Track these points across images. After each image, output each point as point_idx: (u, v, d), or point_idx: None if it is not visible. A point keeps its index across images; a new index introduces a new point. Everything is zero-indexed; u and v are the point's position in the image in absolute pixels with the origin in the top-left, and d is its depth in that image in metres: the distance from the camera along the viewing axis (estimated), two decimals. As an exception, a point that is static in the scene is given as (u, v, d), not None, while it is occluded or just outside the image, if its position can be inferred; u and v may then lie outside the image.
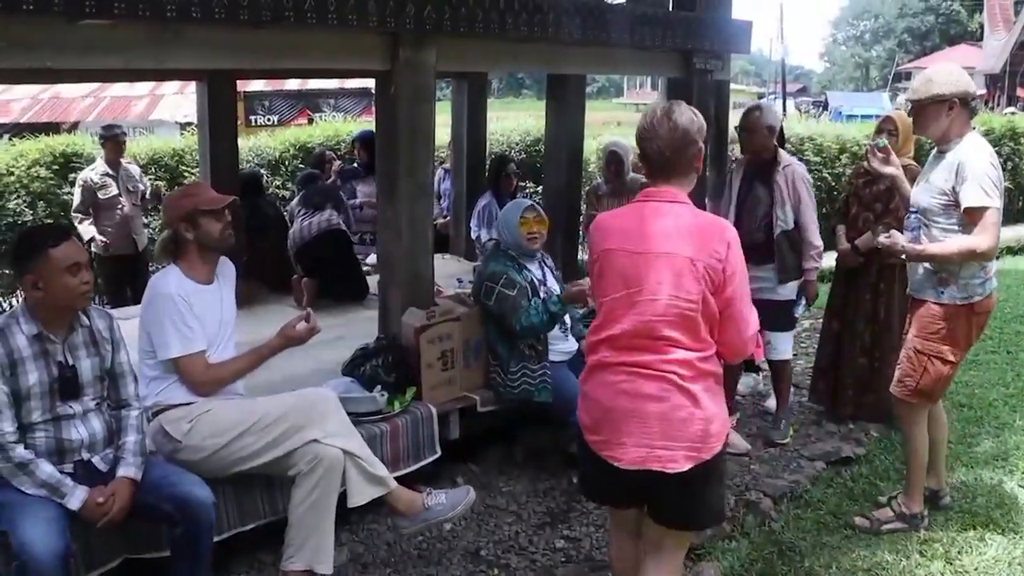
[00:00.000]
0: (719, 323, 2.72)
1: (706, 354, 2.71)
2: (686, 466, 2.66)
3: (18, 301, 7.98)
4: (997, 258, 3.91)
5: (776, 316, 4.99)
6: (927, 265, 3.88)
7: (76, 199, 7.36)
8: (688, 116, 2.77)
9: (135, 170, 7.60)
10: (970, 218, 3.68)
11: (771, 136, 4.99)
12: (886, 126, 5.04)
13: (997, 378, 6.23)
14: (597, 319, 2.87)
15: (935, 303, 3.87)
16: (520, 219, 4.45)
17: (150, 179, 8.83)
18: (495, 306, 4.37)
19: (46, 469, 2.97)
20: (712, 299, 2.67)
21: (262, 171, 9.54)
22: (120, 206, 7.32)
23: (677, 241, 2.69)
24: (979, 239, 3.65)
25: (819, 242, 5.03)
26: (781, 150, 5.07)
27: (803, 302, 5.13)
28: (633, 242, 2.76)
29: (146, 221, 8.03)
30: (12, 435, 2.95)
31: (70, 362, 3.10)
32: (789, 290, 5.03)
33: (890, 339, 5.08)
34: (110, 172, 7.30)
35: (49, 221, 8.07)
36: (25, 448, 2.98)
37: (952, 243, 3.74)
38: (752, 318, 2.76)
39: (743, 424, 5.37)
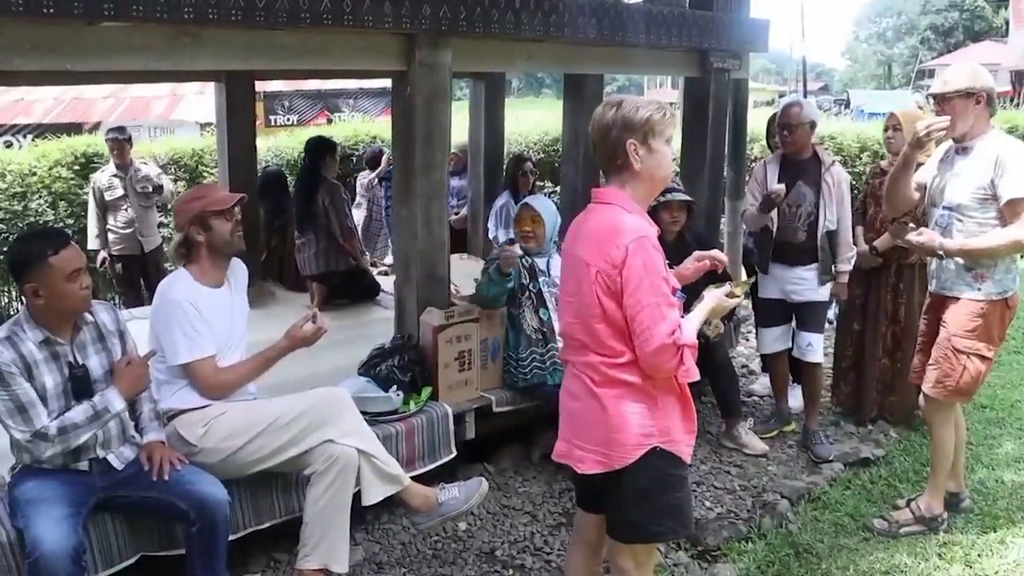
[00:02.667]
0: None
1: (616, 361, 2.63)
2: (593, 469, 2.70)
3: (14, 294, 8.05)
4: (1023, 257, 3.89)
5: (816, 317, 5.03)
6: (959, 261, 3.87)
7: (89, 203, 7.38)
8: (613, 112, 2.64)
9: (149, 171, 7.54)
10: (1012, 210, 3.68)
11: (812, 132, 4.96)
12: (890, 123, 5.17)
13: (1020, 379, 6.18)
14: None
15: (972, 299, 3.86)
16: (516, 216, 4.55)
17: (170, 178, 8.89)
18: (481, 286, 4.48)
19: (79, 414, 3.04)
20: (614, 307, 2.59)
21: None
22: (125, 207, 7.27)
23: (580, 244, 2.69)
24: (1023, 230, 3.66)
25: (853, 243, 5.04)
26: (820, 148, 5.04)
27: (834, 303, 5.11)
28: (569, 243, 2.81)
29: (164, 221, 8.04)
30: (54, 427, 3.00)
31: (80, 361, 3.13)
32: (826, 290, 5.01)
33: (910, 340, 5.06)
34: (118, 173, 7.26)
35: (53, 224, 8.08)
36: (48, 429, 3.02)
37: (994, 236, 3.74)
38: (657, 332, 2.51)
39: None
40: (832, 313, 5.11)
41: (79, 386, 3.11)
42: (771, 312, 5.12)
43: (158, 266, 7.45)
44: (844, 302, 5.26)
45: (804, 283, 4.96)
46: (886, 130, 5.22)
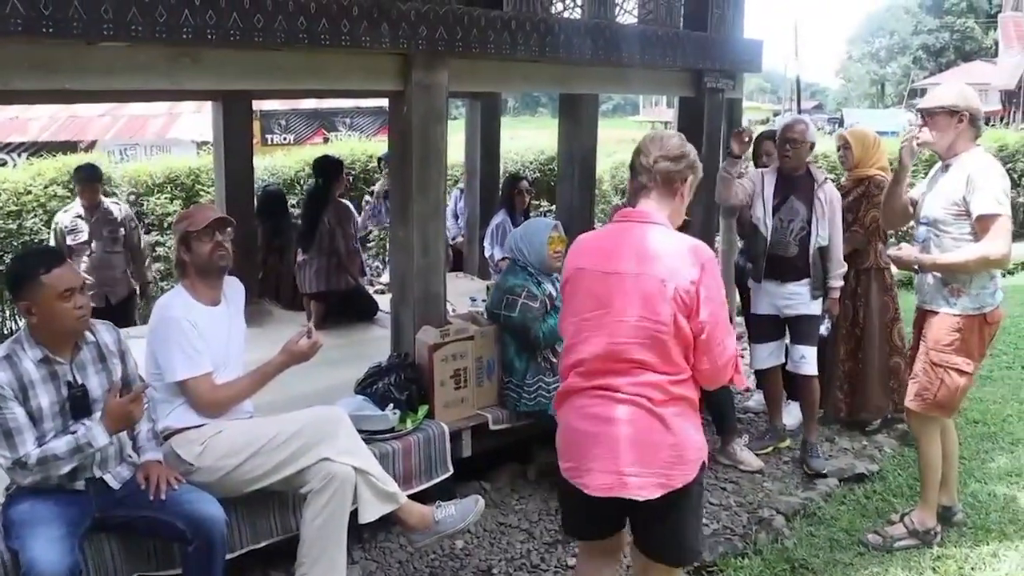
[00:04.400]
0: (695, 348, 2.67)
1: (678, 378, 2.66)
2: (656, 493, 2.62)
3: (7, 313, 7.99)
4: (1011, 273, 3.93)
5: (809, 330, 5.06)
6: (936, 275, 3.92)
7: (50, 243, 6.66)
8: (690, 148, 2.84)
9: (120, 211, 6.79)
10: (982, 226, 3.73)
11: (810, 152, 5.06)
12: (839, 142, 5.49)
13: (1011, 394, 6.21)
14: (565, 341, 2.86)
15: (949, 314, 3.90)
16: (548, 238, 4.51)
17: (166, 198, 8.88)
18: (519, 316, 4.40)
19: (61, 445, 2.98)
20: (685, 323, 2.62)
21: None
22: (88, 252, 6.51)
23: (649, 262, 2.68)
24: (992, 245, 3.71)
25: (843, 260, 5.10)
26: (812, 165, 5.12)
27: (827, 319, 5.15)
28: (606, 262, 2.76)
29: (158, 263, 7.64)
30: (35, 456, 2.98)
31: (79, 381, 3.13)
32: (818, 305, 5.05)
33: (870, 341, 5.36)
34: (82, 215, 6.54)
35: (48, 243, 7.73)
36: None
37: (965, 251, 3.79)
38: (729, 343, 2.67)
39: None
40: (824, 328, 5.16)
41: (78, 406, 3.11)
42: (764, 328, 5.15)
43: (126, 317, 6.63)
44: (836, 316, 5.31)
45: (797, 298, 4.99)
46: (838, 150, 5.52)
